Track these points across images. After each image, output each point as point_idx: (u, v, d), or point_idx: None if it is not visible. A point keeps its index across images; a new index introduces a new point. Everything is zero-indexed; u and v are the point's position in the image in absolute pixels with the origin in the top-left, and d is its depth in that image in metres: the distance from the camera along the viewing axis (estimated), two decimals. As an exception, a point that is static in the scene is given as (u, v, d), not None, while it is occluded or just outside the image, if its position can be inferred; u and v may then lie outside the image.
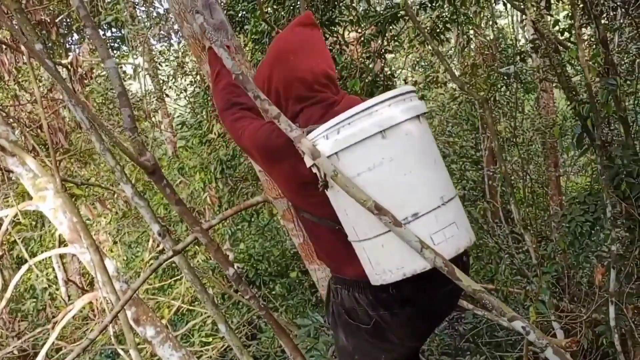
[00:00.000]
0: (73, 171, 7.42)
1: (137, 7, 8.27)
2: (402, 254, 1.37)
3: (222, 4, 6.31)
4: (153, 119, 7.94)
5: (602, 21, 4.94)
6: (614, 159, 4.14)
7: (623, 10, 5.42)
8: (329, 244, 1.68)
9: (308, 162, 1.46)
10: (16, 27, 4.04)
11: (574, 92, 4.41)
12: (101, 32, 9.74)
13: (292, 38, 1.66)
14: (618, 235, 3.91)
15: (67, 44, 9.29)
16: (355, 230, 1.43)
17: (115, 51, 10.38)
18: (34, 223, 7.76)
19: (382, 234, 1.38)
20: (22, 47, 4.66)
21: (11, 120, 4.93)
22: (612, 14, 5.63)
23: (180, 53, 7.52)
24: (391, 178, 1.35)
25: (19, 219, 4.95)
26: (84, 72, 5.11)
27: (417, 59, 7.72)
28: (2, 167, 3.80)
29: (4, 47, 4.55)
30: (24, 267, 4.06)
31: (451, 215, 1.41)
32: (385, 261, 1.40)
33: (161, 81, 8.29)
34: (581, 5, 4.52)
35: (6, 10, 3.87)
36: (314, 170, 1.45)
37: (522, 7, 5.10)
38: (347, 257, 1.58)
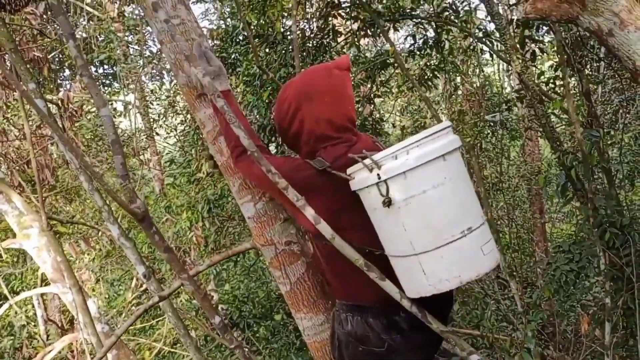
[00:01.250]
0: (58, 207, 7.35)
1: (130, 45, 8.36)
2: (461, 264, 1.53)
3: (215, 46, 6.42)
4: (142, 156, 7.94)
5: (586, 72, 5.09)
6: (598, 209, 4.20)
7: (606, 62, 5.59)
8: (350, 270, 1.70)
9: (357, 185, 1.61)
10: (8, 65, 4.07)
11: (558, 142, 4.50)
12: (93, 69, 9.82)
13: (330, 80, 1.76)
14: (610, 288, 3.94)
15: (58, 79, 9.34)
16: (412, 245, 1.55)
17: (106, 87, 10.44)
18: (15, 259, 7.63)
19: (444, 246, 1.52)
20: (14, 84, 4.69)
21: (-1, 156, 4.91)
22: (595, 65, 5.81)
23: (171, 92, 7.60)
24: (451, 195, 1.53)
25: (0, 255, 4.87)
26: (74, 109, 5.13)
27: (406, 104, 7.85)
28: (-13, 204, 3.76)
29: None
30: (4, 306, 3.98)
31: (489, 231, 1.61)
32: (443, 271, 1.53)
33: (151, 119, 8.33)
34: (565, 57, 4.66)
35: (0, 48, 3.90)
36: (366, 192, 1.59)
37: (508, 58, 5.25)
38: (367, 282, 1.65)
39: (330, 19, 6.20)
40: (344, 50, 6.38)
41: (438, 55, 6.40)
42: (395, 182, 1.52)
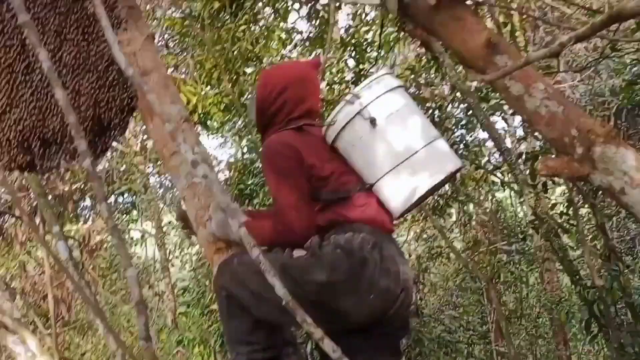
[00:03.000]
0: (70, 341, 7.23)
1: (150, 176, 8.66)
2: (445, 157, 1.96)
3: (233, 177, 6.60)
4: (156, 288, 7.92)
5: (598, 201, 5.12)
6: (624, 347, 4.05)
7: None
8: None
9: (341, 122, 1.91)
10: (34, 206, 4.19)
11: (577, 276, 4.44)
12: (112, 199, 10.09)
13: (312, 74, 2.15)
14: None
15: (79, 208, 9.57)
16: (402, 153, 1.87)
17: (124, 215, 10.65)
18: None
19: (427, 145, 1.89)
20: (38, 221, 4.82)
21: (16, 291, 4.93)
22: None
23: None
24: (417, 111, 1.98)
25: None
26: (93, 245, 5.22)
27: (420, 231, 7.89)
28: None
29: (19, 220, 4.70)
30: None
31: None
32: (435, 163, 1.89)
33: (168, 250, 8.42)
34: (575, 189, 4.74)
35: (26, 191, 4.07)
36: (350, 126, 1.90)
37: (520, 190, 5.34)
38: (356, 207, 1.91)
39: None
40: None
41: (451, 185, 6.53)
42: (375, 105, 1.88)
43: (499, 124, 7.15)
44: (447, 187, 6.85)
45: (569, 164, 1.92)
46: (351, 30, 7.01)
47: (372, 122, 1.86)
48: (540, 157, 4.41)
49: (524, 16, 4.58)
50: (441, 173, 1.91)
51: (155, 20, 7.56)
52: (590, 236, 5.85)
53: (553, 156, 2.05)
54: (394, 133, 1.88)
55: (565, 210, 5.13)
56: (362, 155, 1.92)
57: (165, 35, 7.96)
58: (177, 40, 6.99)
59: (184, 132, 2.13)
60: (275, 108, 2.06)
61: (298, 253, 1.89)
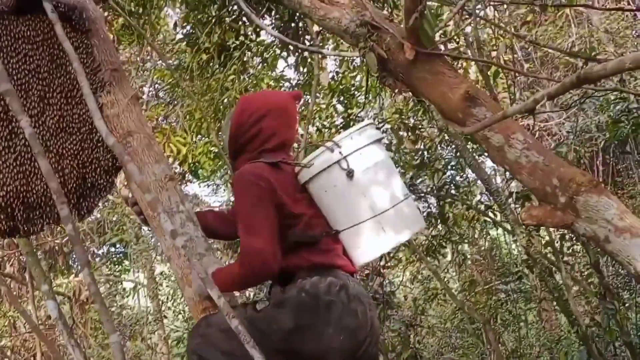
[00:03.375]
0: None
1: (142, 226, 8.60)
2: (412, 217, 1.98)
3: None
4: (149, 340, 7.77)
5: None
6: (627, 387, 3.98)
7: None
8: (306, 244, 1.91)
9: (318, 168, 1.90)
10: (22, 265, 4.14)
11: (573, 316, 4.40)
12: (104, 249, 9.99)
13: (290, 105, 2.12)
14: None
15: (70, 260, 9.47)
16: (372, 208, 1.89)
17: (116, 266, 10.54)
18: None
19: (399, 203, 1.93)
20: (27, 278, 4.76)
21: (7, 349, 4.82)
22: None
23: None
24: (393, 167, 2.03)
25: None
26: (84, 299, 5.14)
27: (415, 273, 7.84)
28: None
29: (9, 279, 4.65)
30: None
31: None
32: (401, 224, 1.93)
33: (160, 301, 8.30)
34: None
35: (16, 248, 4.03)
36: (325, 173, 1.90)
37: (512, 229, 5.34)
38: (323, 252, 1.91)
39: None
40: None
41: (443, 225, 6.52)
42: (354, 157, 1.89)
43: (488, 162, 7.19)
44: (440, 227, 6.85)
45: (552, 213, 1.92)
46: (339, 76, 7.11)
47: (350, 174, 1.88)
48: (527, 197, 4.42)
49: (502, 69, 4.66)
50: (407, 233, 1.96)
51: (145, 72, 7.68)
52: (585, 273, 5.83)
53: (536, 204, 2.05)
54: (369, 188, 1.91)
55: (558, 248, 5.12)
56: (334, 203, 1.94)
57: (156, 86, 8.07)
58: (167, 91, 7.06)
59: (168, 191, 2.13)
60: (250, 135, 2.03)
61: (261, 305, 1.88)
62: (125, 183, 8.48)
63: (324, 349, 1.80)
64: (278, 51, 6.56)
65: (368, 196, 1.90)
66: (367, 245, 1.92)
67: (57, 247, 5.45)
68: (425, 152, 6.37)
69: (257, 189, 1.86)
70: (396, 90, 2.37)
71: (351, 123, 6.55)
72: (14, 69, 2.05)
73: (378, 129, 2.13)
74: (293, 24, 6.25)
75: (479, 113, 2.02)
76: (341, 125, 6.71)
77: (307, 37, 6.37)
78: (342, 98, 6.87)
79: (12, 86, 1.95)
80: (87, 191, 2.23)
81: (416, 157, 6.37)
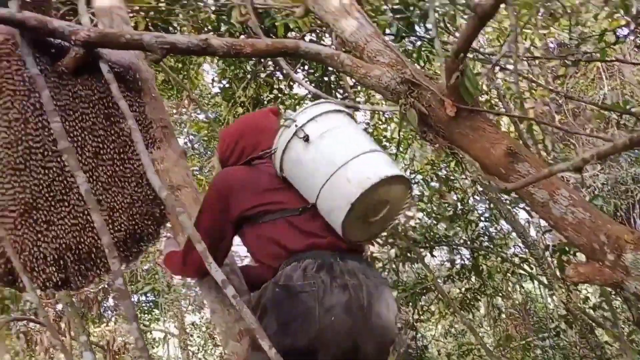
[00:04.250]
0: None
1: (174, 277, 8.65)
2: (377, 165, 1.89)
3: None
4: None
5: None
6: None
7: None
8: (284, 233, 1.91)
9: (282, 145, 1.95)
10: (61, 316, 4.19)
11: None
12: (135, 298, 10.04)
13: (267, 120, 2.19)
14: None
15: (101, 309, 9.53)
16: (334, 162, 1.86)
17: (146, 315, 10.55)
18: None
19: (360, 155, 1.87)
20: (63, 327, 4.82)
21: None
22: None
23: (212, 324, 7.64)
24: (353, 130, 2.01)
25: None
26: (117, 347, 5.16)
27: (448, 327, 7.67)
28: None
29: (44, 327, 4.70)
30: None
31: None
32: (364, 170, 1.84)
33: (191, 352, 8.25)
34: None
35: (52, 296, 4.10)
36: (289, 148, 1.93)
37: (549, 283, 5.23)
38: (301, 236, 1.90)
39: (367, 245, 6.40)
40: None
41: (477, 278, 6.42)
42: (309, 126, 1.93)
43: (522, 214, 7.11)
44: (473, 279, 6.74)
45: (600, 271, 1.90)
46: (370, 127, 7.21)
47: (306, 139, 1.91)
48: (564, 252, 4.35)
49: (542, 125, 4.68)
50: (375, 177, 1.83)
51: (181, 124, 7.90)
52: (627, 330, 5.64)
53: (583, 261, 2.03)
54: (327, 146, 1.91)
55: (598, 304, 4.98)
56: (302, 175, 1.96)
57: (191, 137, 8.27)
58: (202, 143, 7.24)
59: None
60: (235, 158, 2.12)
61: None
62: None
63: (315, 335, 1.72)
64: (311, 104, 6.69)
65: (327, 154, 1.90)
66: (338, 202, 1.84)
67: (91, 297, 5.51)
68: (459, 204, 6.34)
69: (212, 192, 2.01)
70: (435, 145, 2.39)
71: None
72: (71, 127, 2.15)
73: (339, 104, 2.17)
74: (325, 78, 6.42)
75: (521, 169, 2.04)
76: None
77: (340, 90, 6.52)
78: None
79: (70, 143, 2.04)
80: (136, 241, 2.30)
81: (449, 209, 6.34)
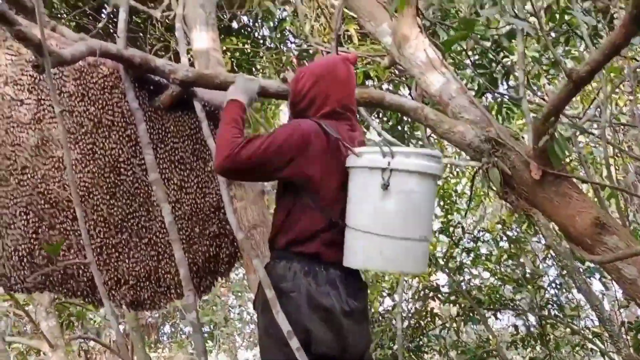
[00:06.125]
0: None
1: (231, 309, 8.74)
2: (408, 258, 1.90)
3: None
4: None
5: None
6: None
7: None
8: (310, 226, 1.96)
9: (363, 162, 1.91)
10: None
11: None
12: (188, 329, 10.14)
13: (345, 68, 2.13)
14: None
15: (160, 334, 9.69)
16: (383, 226, 1.87)
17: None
18: None
19: (405, 239, 1.88)
20: (127, 351, 4.92)
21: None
22: None
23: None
24: (427, 206, 1.95)
25: None
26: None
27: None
28: None
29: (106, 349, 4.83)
30: None
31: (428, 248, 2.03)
32: (394, 257, 1.88)
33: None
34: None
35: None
36: (367, 170, 1.90)
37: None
38: (314, 239, 1.95)
39: (428, 301, 6.25)
40: (442, 333, 6.27)
41: (543, 348, 6.09)
42: (398, 175, 1.88)
43: (596, 284, 6.74)
44: (539, 349, 6.40)
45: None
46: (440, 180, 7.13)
47: (384, 187, 1.88)
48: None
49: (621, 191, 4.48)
50: (402, 268, 1.98)
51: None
52: None
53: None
54: (392, 209, 1.89)
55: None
56: (357, 199, 1.96)
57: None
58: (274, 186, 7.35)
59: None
60: (306, 103, 2.08)
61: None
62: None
63: (302, 329, 1.85)
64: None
65: (387, 215, 1.90)
66: (359, 253, 1.92)
67: (152, 322, 5.63)
68: (527, 268, 6.10)
69: (295, 139, 1.93)
70: (516, 207, 2.33)
71: (450, 229, 6.47)
72: (161, 159, 2.26)
73: (440, 163, 2.02)
74: (399, 127, 6.44)
75: (609, 242, 1.95)
76: (439, 230, 6.64)
77: (412, 140, 6.52)
78: (442, 203, 6.83)
79: (159, 175, 2.14)
80: (209, 274, 2.35)
81: (517, 271, 6.12)
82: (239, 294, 8.70)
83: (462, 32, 2.42)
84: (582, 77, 1.84)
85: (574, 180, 2.19)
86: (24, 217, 2.09)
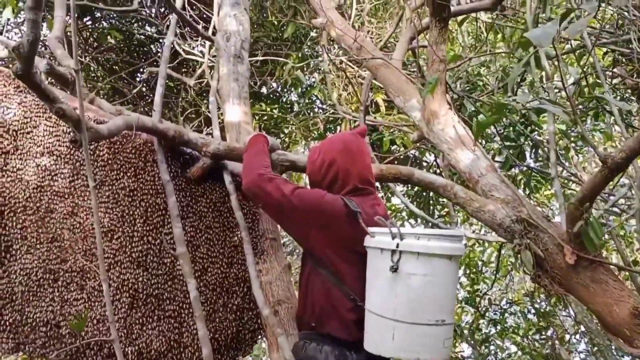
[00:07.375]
0: None
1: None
2: (424, 346, 1.79)
3: None
4: None
5: None
6: None
7: None
8: (331, 305, 1.97)
9: (375, 243, 1.87)
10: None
11: None
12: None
13: (358, 142, 2.17)
14: None
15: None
16: (395, 311, 1.80)
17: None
18: None
19: (419, 324, 1.78)
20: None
21: None
22: None
23: None
24: (442, 289, 1.82)
25: None
26: None
27: None
28: None
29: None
30: None
31: (452, 331, 1.88)
32: (408, 344, 1.79)
33: None
34: None
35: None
36: (378, 251, 1.85)
37: None
38: (337, 318, 1.96)
39: None
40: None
41: None
42: (408, 257, 1.80)
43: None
44: None
45: None
46: (466, 249, 7.01)
47: (393, 269, 1.81)
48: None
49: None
50: (416, 355, 1.79)
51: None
52: None
53: None
54: (403, 292, 1.81)
55: None
56: (372, 281, 1.92)
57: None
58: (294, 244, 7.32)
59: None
60: (328, 182, 2.08)
61: None
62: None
63: None
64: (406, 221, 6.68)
65: (397, 299, 1.81)
66: (372, 337, 1.86)
67: None
68: (557, 342, 5.89)
69: (324, 209, 1.95)
70: (552, 292, 2.25)
71: (477, 299, 6.31)
72: (189, 229, 2.26)
73: (458, 243, 1.91)
74: (424, 193, 6.41)
75: (651, 336, 1.86)
76: (464, 300, 6.47)
77: (438, 206, 6.47)
78: (467, 272, 6.70)
79: (186, 249, 2.13)
80: (231, 350, 2.29)
81: (546, 346, 5.90)
82: None
83: (494, 116, 2.43)
84: (617, 164, 1.81)
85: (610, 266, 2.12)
86: (52, 284, 2.09)
